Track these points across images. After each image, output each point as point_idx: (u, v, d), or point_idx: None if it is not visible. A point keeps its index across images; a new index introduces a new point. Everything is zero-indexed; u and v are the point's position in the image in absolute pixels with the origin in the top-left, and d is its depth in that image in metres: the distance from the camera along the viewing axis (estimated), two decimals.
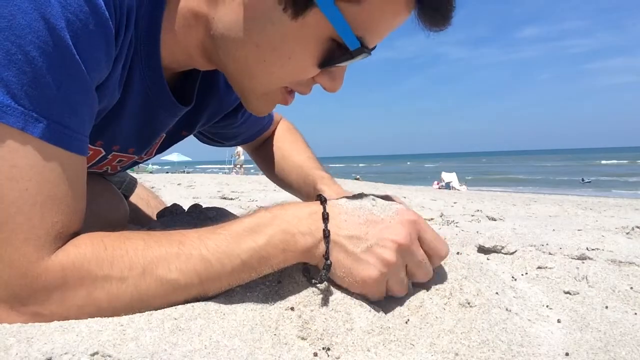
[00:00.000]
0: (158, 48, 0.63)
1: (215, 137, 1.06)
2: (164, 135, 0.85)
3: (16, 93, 0.45)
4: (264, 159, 1.15)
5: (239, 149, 18.71)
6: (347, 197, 0.63)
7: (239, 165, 18.08)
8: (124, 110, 0.67)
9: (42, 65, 0.46)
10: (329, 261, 0.56)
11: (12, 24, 0.45)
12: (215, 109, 0.89)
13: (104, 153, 0.76)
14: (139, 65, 0.63)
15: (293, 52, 0.58)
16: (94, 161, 0.77)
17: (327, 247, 0.56)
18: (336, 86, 0.63)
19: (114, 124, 0.68)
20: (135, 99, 0.67)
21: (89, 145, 0.69)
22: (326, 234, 0.56)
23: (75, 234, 0.53)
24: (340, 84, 0.64)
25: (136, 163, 0.89)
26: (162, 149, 0.90)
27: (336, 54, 0.58)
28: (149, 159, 0.91)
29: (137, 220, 1.19)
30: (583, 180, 20.02)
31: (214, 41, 0.62)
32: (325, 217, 0.57)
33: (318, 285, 0.58)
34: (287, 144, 1.12)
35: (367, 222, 0.58)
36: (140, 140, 0.78)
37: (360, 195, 0.64)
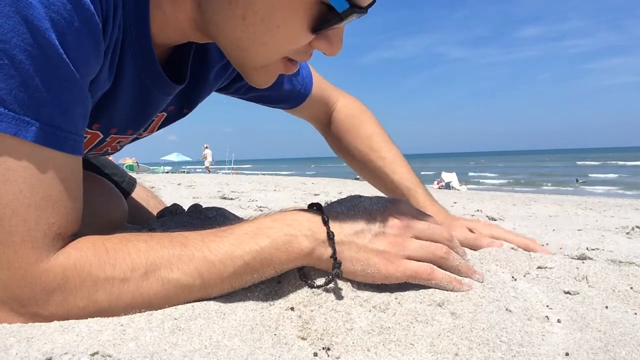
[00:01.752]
0: (148, 28, 0.61)
1: (256, 101, 1.02)
2: (165, 114, 0.84)
3: (5, 98, 0.45)
4: (344, 152, 1.15)
5: (206, 152, 18.90)
6: (338, 201, 0.66)
7: (206, 167, 18.25)
8: (119, 94, 0.66)
9: (29, 68, 0.45)
10: (338, 260, 0.57)
11: None
12: (214, 81, 0.87)
13: (102, 136, 0.75)
14: (130, 47, 0.61)
15: (281, 21, 0.55)
16: (93, 144, 0.76)
17: (334, 249, 0.57)
18: (334, 50, 0.60)
19: (109, 108, 0.67)
20: (128, 83, 0.65)
21: (87, 129, 0.68)
22: (330, 236, 0.57)
23: (74, 234, 0.53)
24: (339, 47, 0.60)
25: (136, 139, 0.88)
26: (163, 126, 0.89)
27: (327, 17, 0.55)
28: (149, 134, 0.89)
29: (137, 220, 1.19)
30: (577, 180, 20.02)
31: (203, 16, 0.60)
32: (326, 221, 0.58)
33: (319, 286, 0.58)
34: (358, 142, 1.09)
35: (364, 215, 0.61)
36: (137, 122, 0.77)
37: (349, 197, 0.67)
